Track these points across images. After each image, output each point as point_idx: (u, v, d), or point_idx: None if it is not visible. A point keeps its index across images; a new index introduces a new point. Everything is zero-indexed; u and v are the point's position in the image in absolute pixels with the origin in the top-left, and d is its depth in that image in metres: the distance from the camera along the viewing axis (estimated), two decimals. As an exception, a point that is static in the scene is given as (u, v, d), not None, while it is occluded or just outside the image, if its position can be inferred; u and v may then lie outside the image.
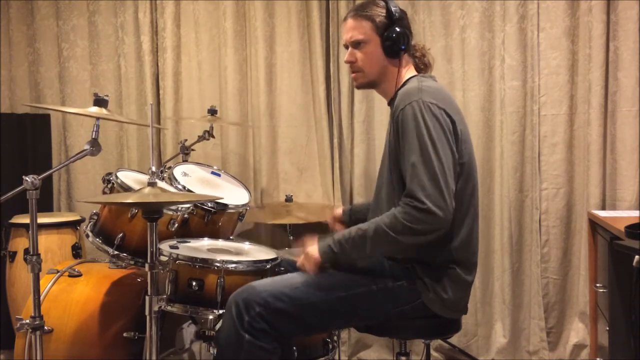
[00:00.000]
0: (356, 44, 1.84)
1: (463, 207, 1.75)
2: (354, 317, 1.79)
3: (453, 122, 1.70)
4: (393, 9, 1.80)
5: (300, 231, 2.80)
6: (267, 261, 1.93)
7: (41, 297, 1.88)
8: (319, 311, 1.72)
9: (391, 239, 1.61)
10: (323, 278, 1.74)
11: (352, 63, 1.86)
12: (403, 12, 1.84)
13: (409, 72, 1.87)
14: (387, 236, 1.61)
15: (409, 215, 1.58)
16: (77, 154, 1.87)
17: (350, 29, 1.84)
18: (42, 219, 2.60)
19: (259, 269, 1.89)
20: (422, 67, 1.90)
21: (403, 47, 1.81)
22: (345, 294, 1.72)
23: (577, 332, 2.80)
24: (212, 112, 2.76)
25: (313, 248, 1.74)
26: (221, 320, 1.76)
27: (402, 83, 1.83)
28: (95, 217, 2.24)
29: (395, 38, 1.79)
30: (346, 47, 1.88)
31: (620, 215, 2.39)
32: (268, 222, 2.83)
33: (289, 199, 2.89)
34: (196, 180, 2.45)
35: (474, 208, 1.81)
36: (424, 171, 1.60)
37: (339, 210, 2.21)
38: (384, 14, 1.80)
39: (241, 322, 1.64)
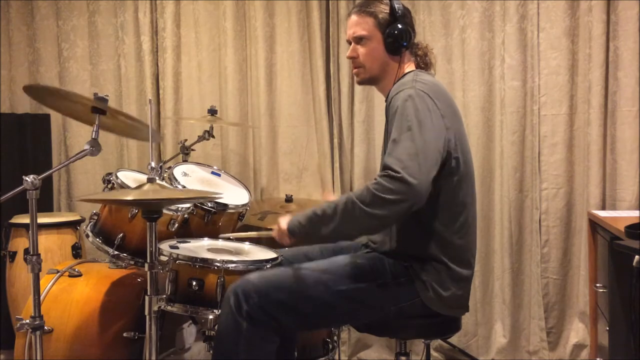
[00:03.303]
0: (358, 40, 1.85)
1: (458, 204, 1.75)
2: (352, 313, 1.79)
3: (443, 116, 1.69)
4: (396, 6, 1.81)
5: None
6: (267, 261, 1.93)
7: (41, 297, 1.88)
8: (317, 304, 1.72)
9: (360, 211, 1.57)
10: (323, 272, 1.74)
11: (354, 59, 1.88)
12: (406, 10, 1.85)
13: (408, 69, 1.87)
14: (355, 208, 1.57)
15: (380, 185, 1.55)
16: (77, 154, 1.87)
17: (354, 25, 1.86)
18: (42, 219, 2.60)
19: (259, 269, 1.88)
20: (423, 65, 1.91)
21: (405, 44, 1.82)
22: (344, 289, 1.72)
23: (577, 332, 2.80)
24: (212, 112, 2.75)
25: (284, 220, 1.73)
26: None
27: (399, 78, 1.84)
28: (95, 217, 2.24)
29: (397, 35, 1.80)
30: (349, 42, 1.89)
31: (620, 215, 2.39)
32: (267, 226, 2.83)
33: (289, 199, 2.88)
34: (196, 180, 2.45)
35: (470, 205, 1.80)
36: (403, 146, 1.58)
37: (332, 197, 2.19)
38: (387, 11, 1.82)
39: (240, 311, 1.65)
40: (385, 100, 1.90)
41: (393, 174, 1.54)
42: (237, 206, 2.37)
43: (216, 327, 1.75)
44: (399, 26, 1.80)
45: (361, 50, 1.85)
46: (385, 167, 1.58)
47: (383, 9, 1.82)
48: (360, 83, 1.95)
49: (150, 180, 1.66)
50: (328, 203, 1.65)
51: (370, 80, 1.90)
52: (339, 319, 1.90)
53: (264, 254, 2.06)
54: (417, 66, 1.90)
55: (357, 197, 1.58)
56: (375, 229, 1.74)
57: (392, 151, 1.59)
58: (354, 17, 1.86)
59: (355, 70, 1.90)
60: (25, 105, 3.23)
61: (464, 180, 1.77)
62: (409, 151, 1.57)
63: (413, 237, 1.76)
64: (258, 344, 1.65)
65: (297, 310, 1.70)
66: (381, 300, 1.75)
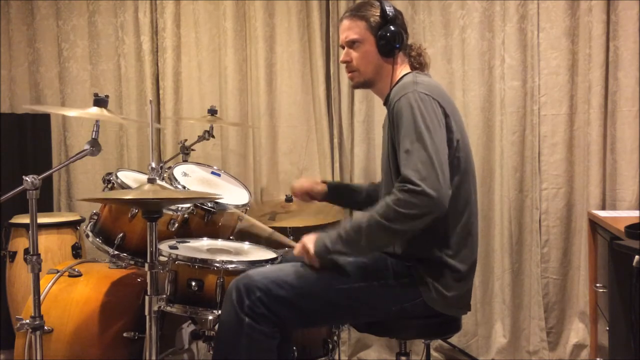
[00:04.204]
0: (351, 44, 1.86)
1: (460, 203, 1.75)
2: (353, 312, 1.79)
3: (446, 115, 1.72)
4: (387, 8, 1.82)
5: (301, 232, 2.80)
6: (267, 261, 1.93)
7: (41, 297, 1.88)
8: (318, 302, 1.73)
9: (385, 228, 1.60)
10: (325, 269, 1.74)
11: (347, 63, 1.88)
12: (398, 12, 1.86)
13: (403, 71, 1.88)
14: (380, 225, 1.60)
15: (401, 201, 1.57)
16: (77, 154, 1.87)
17: (346, 29, 1.86)
18: (42, 219, 2.60)
19: (258, 269, 1.88)
20: (418, 66, 1.91)
21: (397, 46, 1.83)
22: (346, 287, 1.72)
23: (577, 332, 2.80)
24: (212, 112, 2.76)
25: (309, 240, 1.74)
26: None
27: (396, 81, 1.84)
28: (96, 217, 2.24)
29: (390, 37, 1.81)
30: (342, 47, 1.90)
31: (620, 215, 2.39)
32: (268, 224, 2.83)
33: (289, 199, 2.88)
34: (196, 180, 2.45)
35: (472, 203, 1.81)
36: (418, 156, 1.59)
37: (321, 186, 2.18)
38: (379, 14, 1.82)
39: (241, 306, 1.65)
40: (384, 103, 1.90)
41: (413, 187, 1.56)
42: (237, 206, 2.37)
43: (217, 324, 1.75)
44: (391, 28, 1.81)
45: (354, 54, 1.86)
46: (403, 179, 1.59)
47: (374, 12, 1.83)
48: (355, 87, 1.95)
49: (151, 181, 1.66)
50: (351, 223, 1.67)
51: (365, 84, 1.91)
52: (340, 317, 1.90)
53: (264, 254, 2.06)
54: (412, 67, 1.90)
55: (380, 214, 1.60)
56: (399, 241, 1.77)
57: (407, 162, 1.60)
58: (345, 22, 1.87)
59: (349, 75, 1.91)
60: (25, 105, 3.22)
61: (465, 179, 1.77)
62: (424, 160, 1.58)
63: (416, 237, 1.75)
64: (259, 338, 1.65)
65: (298, 306, 1.70)
66: (383, 299, 1.75)
